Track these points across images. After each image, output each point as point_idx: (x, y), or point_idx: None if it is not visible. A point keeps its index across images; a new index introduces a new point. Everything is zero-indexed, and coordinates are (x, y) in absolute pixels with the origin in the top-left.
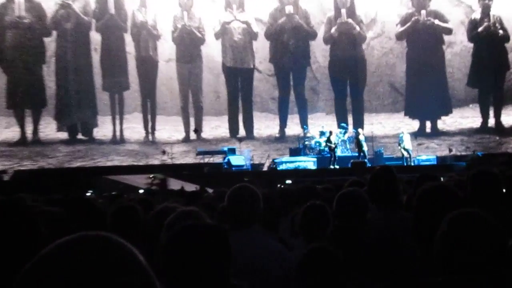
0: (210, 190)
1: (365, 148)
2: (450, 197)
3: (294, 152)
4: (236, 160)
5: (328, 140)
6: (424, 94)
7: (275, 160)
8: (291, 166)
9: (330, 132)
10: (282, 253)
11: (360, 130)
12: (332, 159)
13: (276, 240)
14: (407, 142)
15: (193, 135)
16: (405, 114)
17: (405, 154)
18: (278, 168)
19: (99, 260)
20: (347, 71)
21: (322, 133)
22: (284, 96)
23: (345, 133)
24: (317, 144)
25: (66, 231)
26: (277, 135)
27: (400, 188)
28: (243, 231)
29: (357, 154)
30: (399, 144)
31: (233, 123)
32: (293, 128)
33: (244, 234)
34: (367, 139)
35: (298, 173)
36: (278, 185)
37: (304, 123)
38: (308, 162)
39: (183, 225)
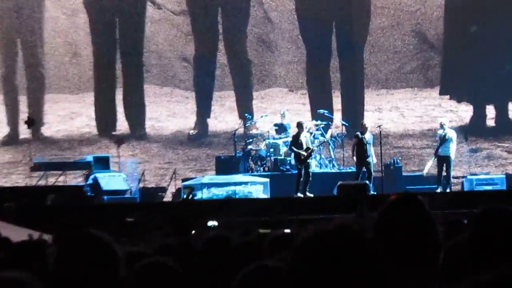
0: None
1: (373, 158)
2: None
3: (226, 166)
4: (111, 181)
5: (295, 141)
6: (480, 54)
7: (187, 183)
8: (219, 193)
9: (298, 125)
10: None
11: (365, 122)
12: (302, 179)
13: None
14: (451, 145)
15: (25, 131)
16: (442, 93)
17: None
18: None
19: None
20: (331, 7)
21: (280, 128)
22: (207, 55)
23: (327, 127)
24: (272, 148)
25: None
26: (191, 132)
27: (439, 238)
28: None
29: (351, 169)
30: (436, 151)
31: (106, 107)
32: (224, 117)
33: None
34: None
35: (233, 207)
36: (193, 232)
37: (245, 108)
38: (254, 186)
39: None
